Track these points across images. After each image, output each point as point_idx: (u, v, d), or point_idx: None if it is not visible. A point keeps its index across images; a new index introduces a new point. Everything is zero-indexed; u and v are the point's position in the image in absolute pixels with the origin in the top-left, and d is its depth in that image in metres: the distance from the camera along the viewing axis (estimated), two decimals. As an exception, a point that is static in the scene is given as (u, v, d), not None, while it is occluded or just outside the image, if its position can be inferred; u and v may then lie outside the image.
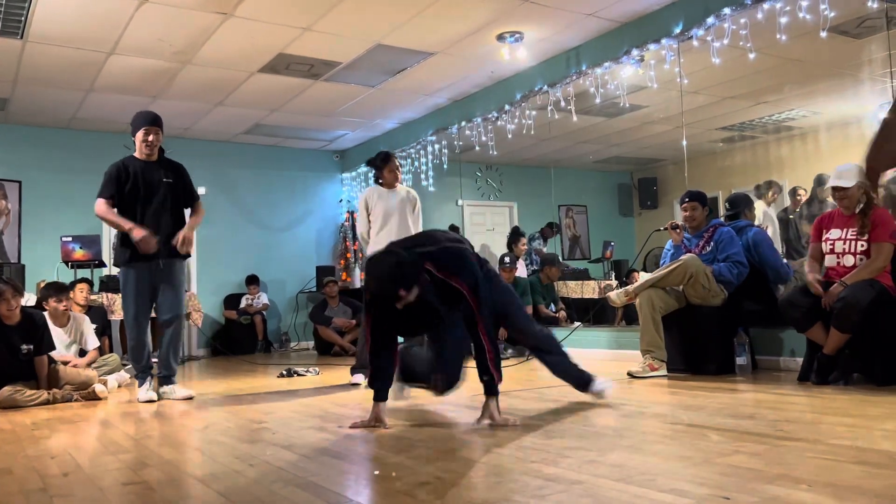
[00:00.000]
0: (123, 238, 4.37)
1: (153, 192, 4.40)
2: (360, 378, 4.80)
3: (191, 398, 4.42)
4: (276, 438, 2.87)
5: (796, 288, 4.21)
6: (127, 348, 4.63)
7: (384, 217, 5.05)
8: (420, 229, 5.08)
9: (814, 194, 7.22)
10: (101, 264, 7.56)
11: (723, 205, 5.87)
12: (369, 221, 5.09)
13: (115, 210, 4.38)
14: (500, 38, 6.09)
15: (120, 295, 6.71)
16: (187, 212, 4.65)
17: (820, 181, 6.96)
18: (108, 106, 7.61)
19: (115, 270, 7.64)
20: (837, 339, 3.81)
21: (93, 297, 6.76)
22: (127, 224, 4.29)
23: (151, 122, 4.43)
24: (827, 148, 8.42)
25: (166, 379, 4.50)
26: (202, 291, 8.95)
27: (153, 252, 4.29)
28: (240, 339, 8.82)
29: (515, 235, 8.00)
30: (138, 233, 4.24)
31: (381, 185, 5.13)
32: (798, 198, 7.64)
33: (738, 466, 2.07)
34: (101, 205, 4.36)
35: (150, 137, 4.40)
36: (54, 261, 7.69)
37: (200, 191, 9.12)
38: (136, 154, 4.46)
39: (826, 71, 6.76)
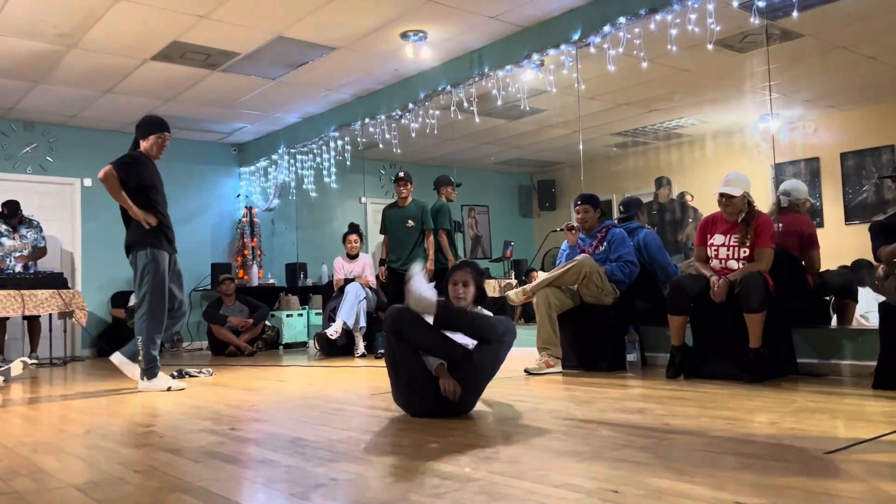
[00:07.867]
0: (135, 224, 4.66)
1: (162, 190, 4.80)
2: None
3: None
4: (164, 442, 2.75)
5: (686, 275, 4.40)
6: (149, 334, 4.97)
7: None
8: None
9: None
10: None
11: (617, 207, 6.09)
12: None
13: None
14: (404, 36, 6.07)
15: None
16: None
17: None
18: (-18, 89, 7.08)
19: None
20: (757, 324, 3.86)
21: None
22: (135, 207, 4.55)
23: (168, 128, 4.76)
24: (713, 155, 8.92)
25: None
26: (87, 288, 8.47)
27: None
28: (128, 339, 8.33)
29: None
30: (151, 218, 4.61)
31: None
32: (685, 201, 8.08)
33: (626, 460, 2.15)
34: (112, 174, 4.49)
35: (167, 143, 4.75)
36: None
37: (86, 182, 8.64)
38: (151, 153, 4.71)
39: (712, 82, 7.13)
